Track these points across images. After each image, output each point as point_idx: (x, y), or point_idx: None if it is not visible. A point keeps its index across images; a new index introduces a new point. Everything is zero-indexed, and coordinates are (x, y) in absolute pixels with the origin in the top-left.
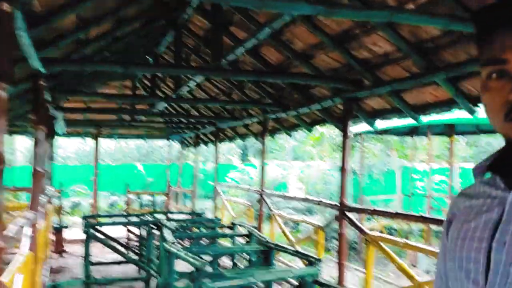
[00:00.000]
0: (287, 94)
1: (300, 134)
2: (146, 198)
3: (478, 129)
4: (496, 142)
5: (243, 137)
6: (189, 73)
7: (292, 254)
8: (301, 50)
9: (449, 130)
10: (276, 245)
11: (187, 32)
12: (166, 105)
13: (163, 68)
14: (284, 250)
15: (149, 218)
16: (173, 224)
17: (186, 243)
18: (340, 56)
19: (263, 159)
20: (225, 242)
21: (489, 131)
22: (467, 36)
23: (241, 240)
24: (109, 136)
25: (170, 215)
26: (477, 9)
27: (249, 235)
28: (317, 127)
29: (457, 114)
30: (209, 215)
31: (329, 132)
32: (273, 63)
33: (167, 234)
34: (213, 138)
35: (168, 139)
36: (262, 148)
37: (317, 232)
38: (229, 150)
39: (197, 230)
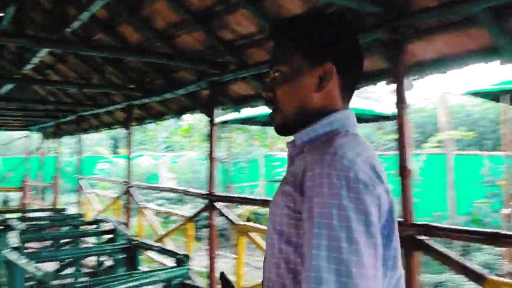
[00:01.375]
0: (150, 79)
1: (171, 125)
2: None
3: None
4: None
5: (109, 126)
6: (27, 44)
7: (159, 252)
8: (162, 29)
9: None
10: (141, 242)
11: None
12: (11, 85)
13: None
14: (149, 247)
15: None
16: (23, 225)
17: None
18: (203, 36)
19: (130, 149)
20: (92, 240)
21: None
22: None
23: (107, 237)
24: None
25: (26, 214)
26: None
27: (114, 231)
28: (186, 117)
29: None
30: (74, 211)
31: (197, 123)
32: (133, 43)
33: (12, 237)
34: (76, 128)
35: (27, 130)
36: (128, 138)
37: (186, 223)
38: (99, 141)
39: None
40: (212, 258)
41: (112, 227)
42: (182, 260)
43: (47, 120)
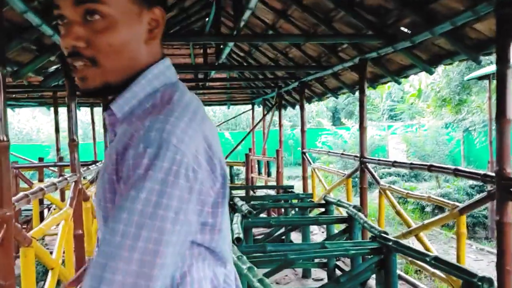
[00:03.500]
0: (394, 19)
1: (395, 92)
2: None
3: None
4: None
5: (335, 92)
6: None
7: (430, 264)
8: None
9: None
10: (398, 243)
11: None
12: (230, 46)
13: None
14: (420, 257)
15: None
16: (245, 207)
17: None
18: None
19: (363, 117)
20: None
21: None
22: None
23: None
24: None
25: (251, 191)
26: None
27: (350, 220)
28: (410, 81)
29: None
30: (297, 185)
31: (429, 85)
32: None
33: (234, 224)
34: (298, 98)
35: (252, 103)
36: (361, 102)
37: (454, 215)
38: (318, 113)
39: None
40: (506, 273)
41: (347, 214)
42: (479, 286)
43: (269, 90)
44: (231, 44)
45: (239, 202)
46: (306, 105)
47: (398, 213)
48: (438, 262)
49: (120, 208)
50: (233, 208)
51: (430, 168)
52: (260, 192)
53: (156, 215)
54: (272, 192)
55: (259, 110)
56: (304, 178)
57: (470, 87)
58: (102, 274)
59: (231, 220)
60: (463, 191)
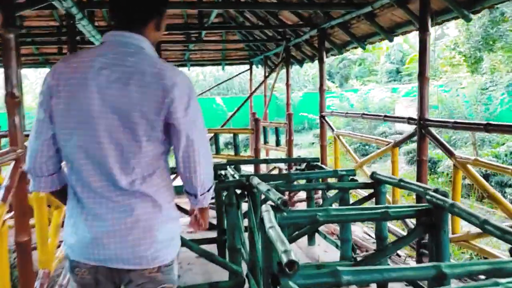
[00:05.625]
0: None
1: (394, 54)
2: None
3: None
4: None
5: (362, 41)
6: None
7: None
8: None
9: None
10: None
11: None
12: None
13: None
14: None
15: (229, 172)
16: (275, 194)
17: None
18: None
19: (425, 65)
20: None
21: None
22: None
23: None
24: (180, 64)
25: (263, 167)
26: None
27: (436, 213)
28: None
29: None
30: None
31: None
32: None
33: (271, 224)
34: (310, 52)
35: (250, 62)
36: (422, 43)
37: None
38: (315, 76)
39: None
40: None
41: (435, 204)
42: None
43: (272, 46)
44: None
45: (262, 186)
46: (298, 68)
47: (491, 196)
48: None
49: None
50: (251, 193)
51: None
52: (262, 167)
53: None
54: (283, 166)
55: (257, 70)
56: (323, 147)
57: (493, 42)
58: None
59: (262, 219)
60: (501, 160)
